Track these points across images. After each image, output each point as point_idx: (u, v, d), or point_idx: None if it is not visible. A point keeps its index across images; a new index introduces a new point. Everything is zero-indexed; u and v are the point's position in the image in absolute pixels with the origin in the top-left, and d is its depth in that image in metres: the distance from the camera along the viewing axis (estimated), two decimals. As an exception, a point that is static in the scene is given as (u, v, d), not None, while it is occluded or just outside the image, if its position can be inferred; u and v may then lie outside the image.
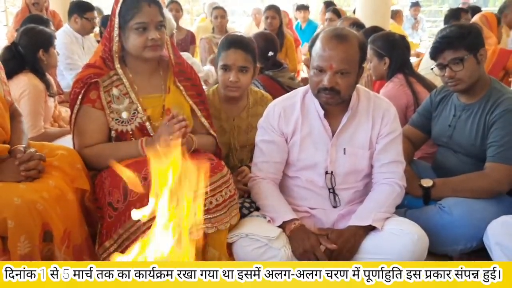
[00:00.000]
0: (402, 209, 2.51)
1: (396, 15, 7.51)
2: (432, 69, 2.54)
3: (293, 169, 2.24)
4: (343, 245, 2.03)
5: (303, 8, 8.05)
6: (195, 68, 2.53)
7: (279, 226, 2.08)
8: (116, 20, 2.14)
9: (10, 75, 2.99)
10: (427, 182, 2.46)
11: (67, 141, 2.83)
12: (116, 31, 2.15)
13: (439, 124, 2.66)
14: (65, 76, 4.33)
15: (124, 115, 2.16)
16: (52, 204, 1.82)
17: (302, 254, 2.00)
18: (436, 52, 2.46)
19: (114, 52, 2.18)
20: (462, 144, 2.52)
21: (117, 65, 2.20)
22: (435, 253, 2.35)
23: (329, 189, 2.20)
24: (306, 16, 8.06)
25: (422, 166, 2.78)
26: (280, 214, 2.10)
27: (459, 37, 2.39)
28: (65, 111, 3.50)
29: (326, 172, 2.18)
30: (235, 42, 2.47)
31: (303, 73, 6.14)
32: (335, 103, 2.10)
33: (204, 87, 3.75)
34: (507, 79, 4.30)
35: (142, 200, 1.86)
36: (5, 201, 1.74)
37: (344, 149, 2.18)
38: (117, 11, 2.13)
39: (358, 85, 2.21)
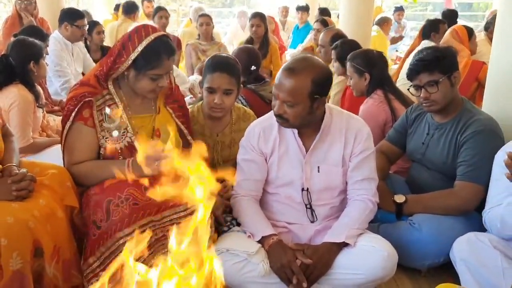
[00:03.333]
0: (376, 223, 2.64)
1: (384, 23, 7.57)
2: (408, 89, 2.67)
3: (273, 186, 2.35)
4: (318, 260, 2.14)
5: (303, 9, 8.16)
6: (180, 80, 2.63)
7: (258, 241, 2.20)
8: (129, 61, 2.20)
9: (0, 86, 3.07)
10: (400, 198, 2.59)
11: (55, 150, 2.93)
12: (123, 67, 2.22)
13: (413, 141, 2.80)
14: (53, 83, 4.39)
15: (115, 133, 2.25)
16: (42, 222, 1.92)
17: (279, 268, 2.12)
18: (412, 74, 2.58)
19: (110, 74, 2.27)
20: (434, 161, 2.65)
21: (110, 85, 2.29)
22: (404, 267, 2.49)
23: (305, 205, 2.31)
24: (305, 17, 8.17)
25: (396, 181, 2.91)
26: (259, 230, 2.21)
27: (435, 61, 2.50)
28: (53, 120, 3.58)
29: (303, 189, 2.30)
30: (221, 66, 2.58)
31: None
32: (288, 127, 2.24)
33: (189, 97, 3.87)
34: (480, 90, 4.44)
35: (123, 220, 1.97)
36: (-2, 220, 1.83)
37: (318, 167, 2.28)
38: (133, 56, 2.19)
39: (331, 105, 2.33)
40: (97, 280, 2.01)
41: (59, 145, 2.39)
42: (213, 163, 2.70)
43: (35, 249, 1.91)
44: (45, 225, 1.93)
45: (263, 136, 2.31)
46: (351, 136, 2.29)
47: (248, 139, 2.36)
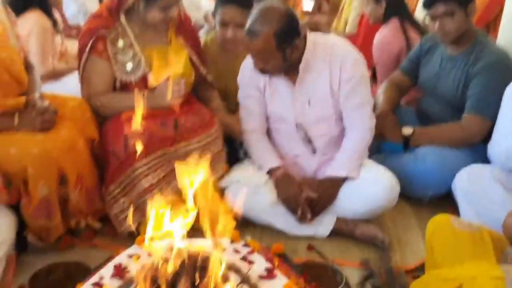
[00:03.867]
0: (382, 154, 2.74)
1: None
2: (424, 17, 2.66)
3: (271, 121, 2.44)
4: (322, 193, 2.27)
5: None
6: (193, 6, 2.65)
7: (267, 173, 2.32)
8: None
9: (17, 13, 3.10)
10: (407, 130, 2.66)
11: (74, 77, 3.02)
12: None
13: (425, 72, 2.82)
14: (69, 7, 4.40)
15: (129, 66, 2.33)
16: (66, 152, 2.05)
17: (286, 200, 2.25)
18: (428, 3, 2.56)
19: (121, 6, 2.30)
20: (445, 93, 2.69)
21: (122, 18, 2.33)
22: (408, 196, 2.62)
23: (302, 138, 2.40)
24: None
25: (406, 112, 2.97)
26: (267, 162, 2.33)
27: None
28: (71, 46, 3.64)
29: (296, 124, 2.37)
30: None
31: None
32: (275, 75, 2.29)
33: (205, 26, 3.86)
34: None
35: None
36: (25, 151, 1.96)
37: (309, 100, 2.32)
38: None
39: (316, 37, 2.29)
40: (117, 205, 2.17)
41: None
42: (226, 93, 2.76)
43: (60, 178, 2.06)
44: (68, 155, 2.06)
45: (255, 72, 2.33)
46: (335, 64, 2.27)
47: (243, 76, 2.43)
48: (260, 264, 1.63)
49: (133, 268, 1.57)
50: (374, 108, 2.76)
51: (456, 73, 2.62)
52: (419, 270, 2.08)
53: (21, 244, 2.16)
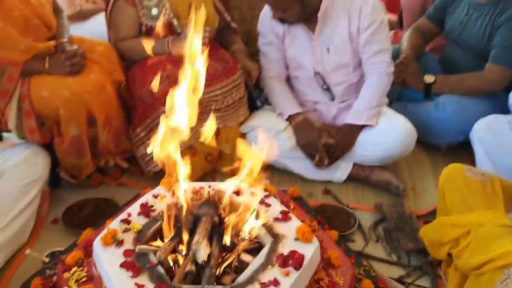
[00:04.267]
0: (404, 102, 2.77)
1: None
2: None
3: (291, 69, 2.48)
4: (341, 140, 2.33)
5: None
6: None
7: (286, 119, 2.38)
8: None
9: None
10: (429, 78, 2.67)
11: (101, 18, 3.07)
12: None
13: (452, 20, 2.79)
14: None
15: (154, 11, 2.36)
16: (94, 95, 2.14)
17: (304, 145, 2.33)
18: None
19: None
20: (470, 42, 2.67)
21: None
22: (425, 143, 2.67)
23: (321, 86, 2.44)
24: None
25: (430, 59, 2.96)
26: (287, 109, 2.39)
27: None
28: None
29: (315, 72, 2.41)
30: None
31: None
32: (294, 24, 2.31)
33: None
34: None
35: (165, 96, 2.16)
36: (57, 93, 2.06)
37: (328, 48, 2.35)
38: None
39: None
40: (144, 147, 2.28)
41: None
42: (248, 38, 2.79)
43: (89, 119, 2.17)
44: (97, 98, 2.15)
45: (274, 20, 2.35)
46: (354, 11, 2.28)
47: (262, 23, 2.45)
48: (276, 207, 1.72)
49: (159, 207, 1.69)
50: (398, 54, 2.78)
51: (482, 22, 2.59)
52: (431, 215, 2.16)
53: (54, 181, 2.31)
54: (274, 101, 2.46)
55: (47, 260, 1.84)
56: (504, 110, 2.45)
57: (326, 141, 2.33)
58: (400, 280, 1.89)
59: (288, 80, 2.54)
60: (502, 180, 1.99)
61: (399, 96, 2.84)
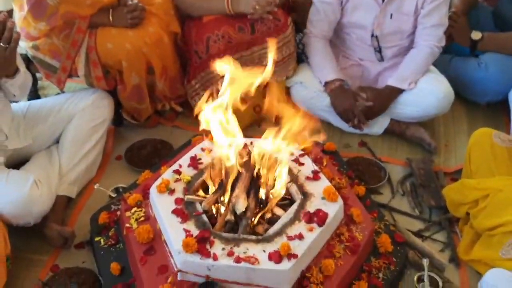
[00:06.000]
0: (450, 55, 2.83)
1: None
2: None
3: (346, 28, 2.56)
4: (379, 102, 2.46)
5: None
6: None
7: (323, 86, 2.50)
8: None
9: None
10: (476, 35, 2.69)
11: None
12: None
13: (506, -27, 2.75)
14: None
15: None
16: (152, 47, 2.34)
17: (342, 112, 2.46)
18: None
19: None
20: (523, -1, 2.65)
21: None
22: (465, 100, 2.76)
23: (374, 48, 2.53)
24: None
25: (483, 12, 2.92)
26: (324, 74, 2.50)
27: None
28: None
29: (372, 35, 2.49)
30: None
31: None
32: None
33: None
34: None
35: (219, 54, 2.35)
36: (120, 47, 2.28)
37: (391, 14, 2.43)
38: None
39: None
40: (198, 97, 2.50)
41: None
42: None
43: (148, 69, 2.39)
44: (155, 49, 2.36)
45: None
46: None
47: None
48: (308, 166, 1.93)
49: (206, 160, 1.93)
50: (450, 7, 2.79)
51: (541, -23, 2.56)
52: (458, 173, 2.30)
53: (118, 121, 2.60)
54: (313, 63, 2.57)
55: (112, 194, 2.15)
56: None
57: (363, 105, 2.44)
58: (418, 233, 2.10)
59: (337, 35, 2.63)
60: (531, 146, 2.11)
61: (446, 48, 2.88)
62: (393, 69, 2.54)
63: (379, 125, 2.57)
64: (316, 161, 2.04)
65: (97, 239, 1.91)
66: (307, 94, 2.53)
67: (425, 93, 2.43)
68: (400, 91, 2.47)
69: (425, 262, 1.84)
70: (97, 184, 2.16)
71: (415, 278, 1.85)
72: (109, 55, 2.29)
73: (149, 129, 2.63)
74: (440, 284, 1.83)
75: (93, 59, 2.30)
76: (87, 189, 2.27)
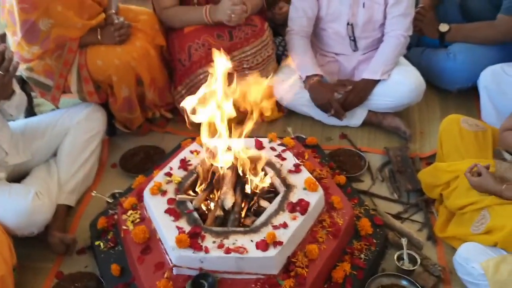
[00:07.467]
0: (422, 48, 2.99)
1: None
2: None
3: (322, 22, 2.72)
4: (356, 93, 2.63)
5: None
6: None
7: (303, 81, 2.67)
8: None
9: None
10: (443, 27, 2.84)
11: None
12: None
13: (468, -32, 2.89)
14: None
15: None
16: (140, 60, 2.49)
17: (321, 105, 2.64)
18: None
19: None
20: (485, -10, 2.80)
21: None
22: (437, 88, 2.93)
23: (349, 37, 2.70)
24: None
25: (450, 6, 3.03)
26: (304, 69, 2.66)
27: None
28: None
29: (348, 23, 2.65)
30: None
31: None
32: None
33: None
34: None
35: (201, 61, 2.51)
36: (109, 62, 2.43)
37: (364, 3, 2.60)
38: None
39: None
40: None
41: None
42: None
43: (137, 81, 2.54)
44: (142, 62, 2.51)
45: None
46: None
47: None
48: (290, 160, 2.09)
49: (194, 161, 2.08)
50: (418, 2, 2.95)
51: (495, -30, 2.70)
52: (433, 158, 2.47)
53: (111, 131, 2.76)
54: (294, 59, 2.73)
55: (109, 200, 2.30)
56: (514, 59, 2.64)
57: (343, 90, 2.62)
58: (397, 215, 2.26)
59: (316, 32, 2.79)
60: (496, 129, 2.26)
61: (418, 42, 3.05)
62: (367, 63, 2.70)
63: (357, 117, 2.73)
64: (298, 155, 2.20)
65: (97, 243, 2.05)
66: (289, 91, 2.69)
67: (398, 84, 2.59)
68: (374, 82, 2.63)
69: (404, 241, 2.01)
70: (94, 192, 2.32)
71: (395, 257, 1.99)
72: (99, 71, 2.45)
73: (141, 136, 2.79)
74: (419, 260, 1.97)
75: (84, 75, 2.45)
76: (86, 197, 2.42)
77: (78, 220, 2.32)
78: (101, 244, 2.04)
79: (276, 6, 2.95)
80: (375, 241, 2.02)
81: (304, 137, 2.53)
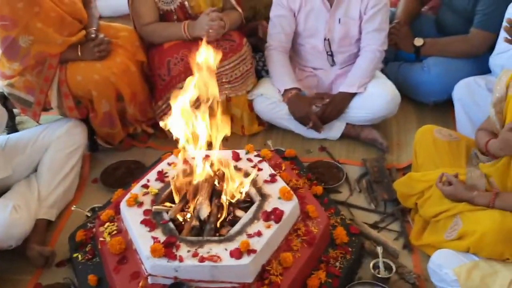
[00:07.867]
0: (398, 62, 3.06)
1: None
2: None
3: (300, 37, 2.79)
4: (333, 106, 2.69)
5: None
6: None
7: (282, 95, 2.72)
8: None
9: None
10: (418, 41, 2.92)
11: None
12: None
13: (443, -17, 2.98)
14: None
15: None
16: (120, 76, 2.54)
17: (299, 118, 2.69)
18: None
19: None
20: (458, 6, 2.88)
21: None
22: (414, 101, 3.00)
23: (327, 52, 2.76)
24: None
25: (426, 20, 3.15)
26: (282, 83, 2.72)
27: None
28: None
29: (325, 39, 2.72)
30: None
31: None
32: None
33: None
34: None
35: (180, 75, 2.56)
36: (89, 78, 2.48)
37: (339, 19, 2.67)
38: None
39: None
40: (166, 117, 2.67)
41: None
42: (255, 11, 3.09)
43: (117, 96, 2.58)
44: (123, 78, 2.55)
45: None
46: None
47: None
48: (266, 171, 2.12)
49: (171, 173, 2.11)
50: (394, 18, 3.03)
51: (467, -13, 2.78)
52: (409, 168, 2.50)
53: (93, 146, 2.78)
54: (272, 73, 2.79)
55: (89, 214, 2.32)
56: (486, 70, 2.70)
57: (322, 103, 2.68)
58: (374, 225, 2.28)
59: (294, 48, 2.86)
60: (469, 139, 2.31)
61: (395, 56, 3.12)
62: (345, 77, 2.76)
63: (336, 130, 2.78)
64: (275, 166, 2.23)
65: (75, 255, 2.06)
66: (268, 105, 2.75)
67: (374, 97, 2.65)
68: (351, 95, 2.69)
69: (379, 249, 2.04)
70: (74, 206, 2.34)
71: (371, 265, 2.01)
72: (79, 86, 2.49)
73: (123, 151, 2.81)
74: (394, 268, 2.00)
75: (64, 91, 2.49)
76: (66, 212, 2.43)
77: (59, 234, 2.33)
78: (79, 256, 2.05)
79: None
80: (350, 249, 2.04)
81: (283, 149, 2.56)
